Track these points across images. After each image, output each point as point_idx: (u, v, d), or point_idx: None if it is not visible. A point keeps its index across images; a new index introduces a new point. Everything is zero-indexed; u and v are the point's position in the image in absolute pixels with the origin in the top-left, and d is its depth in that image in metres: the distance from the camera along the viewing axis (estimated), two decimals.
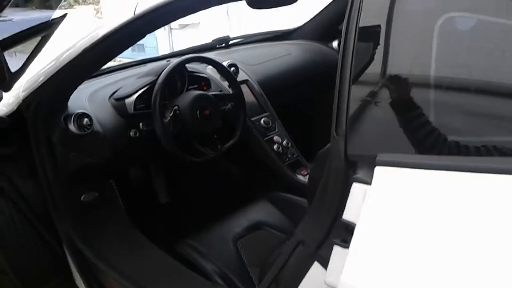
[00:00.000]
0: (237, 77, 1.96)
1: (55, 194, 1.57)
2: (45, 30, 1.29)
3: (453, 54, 0.69)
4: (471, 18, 0.68)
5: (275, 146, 1.94)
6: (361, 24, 0.76)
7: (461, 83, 0.70)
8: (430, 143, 0.69)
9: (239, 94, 1.84)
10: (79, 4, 17.33)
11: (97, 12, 8.70)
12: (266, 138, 1.95)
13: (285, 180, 1.89)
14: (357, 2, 0.76)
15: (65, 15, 1.28)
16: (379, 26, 0.76)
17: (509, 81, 0.66)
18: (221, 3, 1.18)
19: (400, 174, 0.66)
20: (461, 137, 0.67)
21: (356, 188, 0.70)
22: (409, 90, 0.72)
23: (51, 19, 1.26)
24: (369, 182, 0.68)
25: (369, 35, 0.76)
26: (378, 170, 0.68)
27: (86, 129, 1.52)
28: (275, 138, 1.97)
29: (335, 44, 2.29)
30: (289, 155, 1.96)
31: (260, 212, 1.76)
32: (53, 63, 1.40)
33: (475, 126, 0.68)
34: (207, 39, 2.34)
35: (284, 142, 1.97)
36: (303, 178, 1.88)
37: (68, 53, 1.35)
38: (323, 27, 2.32)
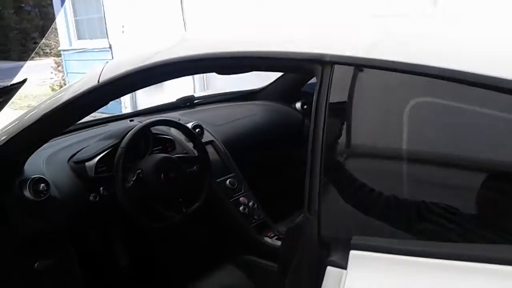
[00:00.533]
0: (202, 138, 1.94)
1: (6, 261, 1.47)
2: (3, 94, 1.25)
3: (422, 135, 0.70)
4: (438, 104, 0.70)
5: (241, 208, 1.90)
6: (330, 101, 0.76)
7: (431, 161, 0.71)
8: (405, 225, 0.68)
9: (204, 155, 1.81)
10: (39, 55, 17.21)
11: (58, 66, 8.62)
12: (231, 200, 1.91)
13: (252, 243, 1.85)
14: (326, 82, 0.76)
15: (24, 80, 1.24)
16: (349, 103, 0.76)
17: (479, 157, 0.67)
18: (191, 74, 1.18)
19: (377, 259, 0.64)
20: (435, 217, 0.67)
21: (331, 272, 0.68)
22: (382, 169, 0.72)
23: (9, 84, 1.21)
24: (344, 266, 0.66)
25: (340, 114, 0.77)
26: (354, 254, 0.66)
27: (42, 195, 1.44)
28: (241, 199, 1.93)
29: (298, 105, 2.34)
30: (255, 217, 1.92)
31: (226, 277, 1.70)
32: (16, 123, 1.35)
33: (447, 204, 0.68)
34: (171, 97, 2.33)
35: (250, 204, 1.94)
36: (270, 240, 1.84)
37: (29, 115, 1.31)
38: (287, 89, 2.37)
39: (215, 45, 0.99)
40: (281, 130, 2.24)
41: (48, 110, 1.25)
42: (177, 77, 1.21)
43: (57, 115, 1.26)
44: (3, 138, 1.34)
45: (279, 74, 2.36)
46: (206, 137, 2.00)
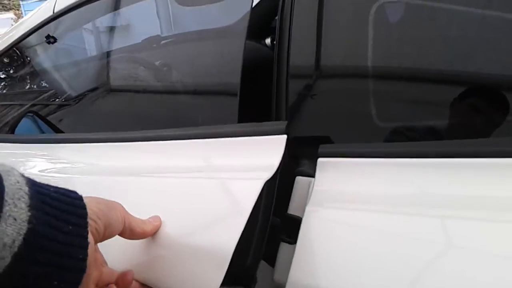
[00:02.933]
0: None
1: None
2: None
3: (387, 43, 0.69)
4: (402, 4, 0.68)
5: None
6: (294, 18, 0.75)
7: (395, 71, 0.70)
8: (370, 131, 0.69)
9: None
10: None
11: (19, 18, 8.21)
12: None
13: None
14: None
15: None
16: (313, 18, 0.75)
17: (440, 67, 0.67)
18: None
19: (343, 164, 0.64)
20: (395, 123, 0.68)
21: (300, 182, 0.68)
22: (345, 79, 0.71)
23: None
24: (312, 175, 0.67)
25: (304, 28, 0.75)
26: (321, 162, 0.66)
27: None
28: None
29: (268, 41, 2.29)
30: None
31: None
32: None
33: (408, 112, 0.69)
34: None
35: None
36: None
37: None
38: (255, 25, 2.31)
39: None
40: (251, 66, 2.21)
41: (1, 48, 1.19)
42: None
43: (10, 55, 1.20)
44: None
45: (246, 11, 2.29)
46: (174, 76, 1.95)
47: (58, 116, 1.24)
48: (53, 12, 1.06)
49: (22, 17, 7.60)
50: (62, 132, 1.15)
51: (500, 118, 0.62)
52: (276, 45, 0.79)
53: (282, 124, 0.68)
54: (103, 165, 0.86)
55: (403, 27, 0.68)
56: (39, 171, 0.93)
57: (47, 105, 1.29)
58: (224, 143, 0.72)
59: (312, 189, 0.64)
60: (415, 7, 0.68)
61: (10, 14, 9.66)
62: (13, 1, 9.55)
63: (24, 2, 7.06)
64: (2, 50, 1.21)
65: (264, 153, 0.67)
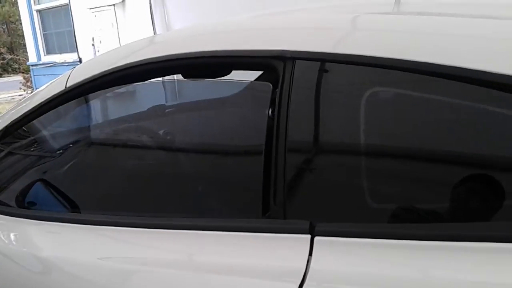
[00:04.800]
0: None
1: None
2: None
3: (379, 124, 0.74)
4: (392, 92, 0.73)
5: None
6: (292, 97, 0.79)
7: (387, 148, 0.74)
8: (369, 211, 0.71)
9: None
10: (8, 72, 16.88)
11: (27, 81, 8.47)
12: None
13: None
14: (288, 77, 0.79)
15: None
16: (311, 98, 0.80)
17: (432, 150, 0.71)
18: (159, 76, 1.19)
19: (339, 244, 0.66)
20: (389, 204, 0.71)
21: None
22: (343, 160, 0.75)
23: None
24: (310, 253, 0.68)
25: (302, 106, 0.79)
26: (318, 240, 0.68)
27: None
28: None
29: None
30: None
31: None
32: None
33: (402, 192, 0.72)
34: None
35: None
36: None
37: None
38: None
39: (180, 46, 1.00)
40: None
41: (13, 119, 1.24)
42: (145, 80, 1.21)
43: (23, 124, 1.25)
44: None
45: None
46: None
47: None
48: (65, 87, 1.13)
49: (31, 80, 7.84)
50: (71, 200, 1.17)
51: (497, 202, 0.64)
52: (275, 119, 0.82)
53: (305, 224, 0.70)
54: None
55: (392, 112, 0.73)
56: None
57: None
58: (246, 239, 0.75)
59: (309, 267, 0.66)
60: (403, 96, 0.73)
61: (19, 77, 9.97)
62: (23, 66, 9.91)
63: (33, 67, 7.32)
64: (15, 120, 1.25)
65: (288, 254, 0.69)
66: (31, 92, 8.20)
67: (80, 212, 1.14)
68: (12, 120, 1.25)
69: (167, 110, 2.35)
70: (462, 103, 0.68)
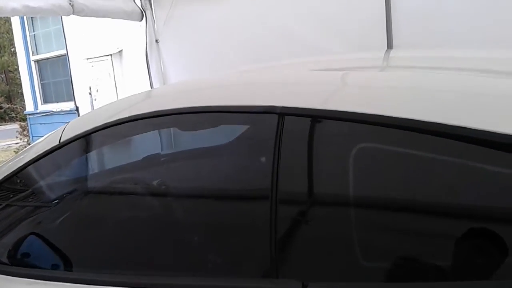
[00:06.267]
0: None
1: None
2: None
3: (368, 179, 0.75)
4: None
5: None
6: (282, 149, 0.80)
7: (376, 203, 0.75)
8: (362, 269, 0.71)
9: None
10: (5, 121, 16.99)
11: (24, 130, 8.50)
12: None
13: None
14: (279, 131, 0.81)
15: None
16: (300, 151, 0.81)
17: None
18: (154, 130, 1.20)
19: None
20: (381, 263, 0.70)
21: None
22: (332, 214, 0.75)
23: None
24: None
25: (292, 162, 0.81)
26: None
27: None
28: None
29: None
30: None
31: None
32: None
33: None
34: None
35: None
36: None
37: None
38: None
39: (171, 101, 1.03)
40: None
41: (6, 174, 1.24)
42: (139, 133, 1.23)
43: (17, 179, 1.25)
44: None
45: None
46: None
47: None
48: (59, 142, 1.14)
49: (28, 129, 7.88)
50: (64, 255, 1.15)
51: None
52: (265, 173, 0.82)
53: (297, 284, 0.70)
54: None
55: (381, 168, 0.74)
56: None
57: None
58: None
59: None
60: (392, 151, 0.75)
61: (16, 126, 10.02)
62: (20, 115, 10.00)
63: (30, 116, 7.38)
64: (9, 174, 1.26)
65: None
66: (28, 141, 8.23)
67: (73, 268, 1.12)
68: (6, 174, 1.26)
69: (161, 159, 2.36)
70: (451, 159, 0.69)
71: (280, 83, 0.94)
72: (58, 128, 1.24)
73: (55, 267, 1.13)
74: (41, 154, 1.19)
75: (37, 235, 1.20)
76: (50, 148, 1.17)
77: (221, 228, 0.92)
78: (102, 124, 1.09)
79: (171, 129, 1.20)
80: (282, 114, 0.81)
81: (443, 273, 0.66)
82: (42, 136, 1.30)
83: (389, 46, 2.46)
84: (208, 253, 0.92)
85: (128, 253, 1.09)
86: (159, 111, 1.01)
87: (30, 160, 1.21)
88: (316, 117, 0.79)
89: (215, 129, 1.10)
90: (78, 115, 6.46)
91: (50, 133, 1.29)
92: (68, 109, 6.68)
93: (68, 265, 1.13)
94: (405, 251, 0.69)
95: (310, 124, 0.80)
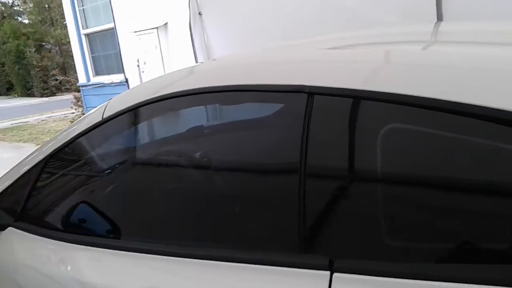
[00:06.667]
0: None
1: None
2: None
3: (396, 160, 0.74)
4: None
5: None
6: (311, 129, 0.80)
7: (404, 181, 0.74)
8: (392, 248, 0.71)
9: None
10: (61, 91, 17.76)
11: (78, 101, 8.86)
12: None
13: None
14: (308, 111, 0.81)
15: None
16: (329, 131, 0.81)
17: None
18: (192, 106, 1.23)
19: (358, 281, 0.67)
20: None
21: None
22: (359, 192, 0.75)
23: None
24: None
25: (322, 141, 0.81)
26: (336, 277, 0.68)
27: None
28: None
29: None
30: None
31: None
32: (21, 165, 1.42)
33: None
34: None
35: None
36: None
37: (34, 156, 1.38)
38: None
39: (215, 79, 1.04)
40: None
41: (58, 146, 1.32)
42: (178, 110, 1.26)
43: (62, 155, 1.33)
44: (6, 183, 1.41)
45: None
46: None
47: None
48: (102, 118, 1.19)
49: (81, 100, 8.21)
50: (112, 221, 1.21)
51: None
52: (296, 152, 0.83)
53: (325, 260, 0.71)
54: None
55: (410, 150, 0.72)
56: None
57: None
58: (265, 272, 0.77)
59: None
60: (423, 133, 0.73)
61: (71, 96, 10.45)
62: (74, 86, 10.40)
63: (83, 88, 7.67)
64: (62, 145, 1.33)
65: None
66: (82, 111, 8.58)
67: (120, 236, 1.18)
68: (57, 146, 1.33)
69: (205, 131, 2.41)
70: (487, 142, 0.67)
71: (312, 61, 0.93)
72: (101, 105, 1.29)
73: (103, 234, 1.19)
74: (87, 128, 1.25)
75: (87, 203, 1.27)
76: (95, 124, 1.23)
77: (252, 202, 0.94)
78: (144, 100, 1.13)
79: (209, 105, 1.22)
80: (311, 93, 0.81)
81: (474, 254, 0.65)
82: (94, 107, 1.37)
83: (439, 18, 2.35)
84: (238, 225, 0.95)
85: (167, 224, 1.13)
86: (197, 89, 1.03)
87: (77, 134, 1.28)
88: (347, 96, 0.78)
89: (248, 107, 1.11)
90: (128, 87, 6.65)
91: (97, 108, 1.35)
92: (118, 81, 6.89)
93: (115, 233, 1.19)
94: (435, 232, 0.68)
95: (340, 103, 0.80)
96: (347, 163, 0.79)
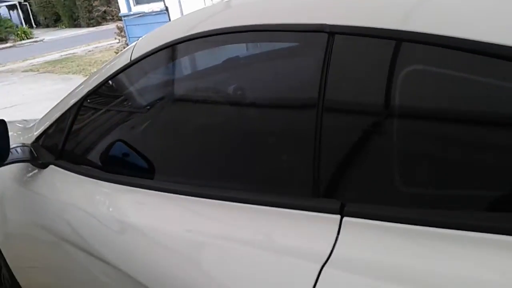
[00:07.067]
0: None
1: None
2: None
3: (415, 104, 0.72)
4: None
5: None
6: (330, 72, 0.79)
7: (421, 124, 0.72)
8: (406, 195, 0.71)
9: None
10: (106, 21, 17.87)
11: (121, 31, 8.92)
12: None
13: None
14: (328, 51, 0.79)
15: None
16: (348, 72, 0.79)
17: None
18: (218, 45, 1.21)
19: (369, 227, 0.68)
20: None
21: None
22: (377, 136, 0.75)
23: None
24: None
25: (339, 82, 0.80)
26: (346, 220, 0.70)
27: None
28: None
29: None
30: None
31: None
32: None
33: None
34: None
35: None
36: None
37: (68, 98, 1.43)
38: None
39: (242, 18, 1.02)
40: None
41: (93, 86, 1.36)
42: (203, 50, 1.25)
43: (93, 98, 1.37)
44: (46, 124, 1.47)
45: None
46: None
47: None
48: (130, 60, 1.21)
49: (124, 30, 8.26)
50: (145, 157, 1.26)
51: None
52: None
53: (336, 203, 0.72)
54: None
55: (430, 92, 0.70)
56: None
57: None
58: (275, 214, 0.79)
59: (335, 249, 0.69)
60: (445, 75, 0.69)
61: (113, 26, 10.53)
62: (115, 15, 10.41)
63: (125, 18, 7.68)
64: (99, 84, 1.37)
65: (315, 233, 0.73)
66: (125, 41, 8.67)
67: (154, 176, 1.22)
68: (93, 86, 1.37)
69: (241, 62, 2.38)
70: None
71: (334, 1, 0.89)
72: (129, 46, 1.30)
73: (138, 174, 1.22)
74: (114, 72, 1.28)
75: (124, 142, 1.32)
76: (122, 67, 1.25)
77: (266, 143, 0.95)
78: (172, 40, 1.13)
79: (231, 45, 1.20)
80: (332, 32, 0.79)
81: (488, 203, 0.64)
82: (138, 37, 1.37)
83: None
84: (251, 166, 0.97)
85: (201, 161, 1.15)
86: (216, 30, 1.02)
87: (108, 76, 1.31)
88: (367, 36, 0.75)
89: (270, 47, 1.08)
90: (168, 15, 6.60)
91: (126, 48, 1.37)
92: (158, 9, 6.85)
93: (150, 172, 1.23)
94: (448, 179, 0.67)
95: (361, 43, 0.77)
96: (365, 107, 0.77)
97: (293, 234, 0.76)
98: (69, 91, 1.56)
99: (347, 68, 0.80)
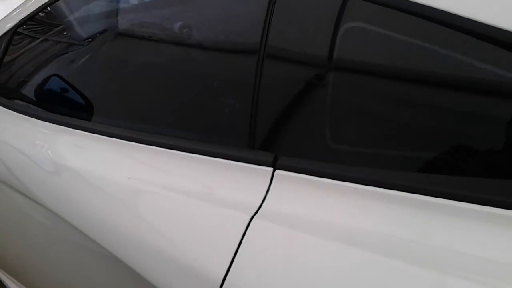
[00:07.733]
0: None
1: None
2: None
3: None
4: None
5: None
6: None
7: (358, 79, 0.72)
8: (342, 152, 0.71)
9: None
10: None
11: None
12: None
13: None
14: None
15: None
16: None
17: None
18: None
19: (300, 181, 0.69)
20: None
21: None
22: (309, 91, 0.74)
23: None
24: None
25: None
26: (278, 173, 0.71)
27: None
28: None
29: None
30: None
31: None
32: None
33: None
34: None
35: None
36: None
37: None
38: None
39: None
40: None
41: (20, 19, 1.25)
42: None
43: (31, 24, 1.26)
44: None
45: None
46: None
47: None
48: None
49: None
50: (84, 96, 1.19)
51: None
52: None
53: (270, 156, 0.72)
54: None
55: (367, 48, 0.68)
56: None
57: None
58: (209, 163, 0.79)
59: (264, 200, 0.69)
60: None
61: None
62: None
63: None
64: (37, 9, 1.26)
65: (248, 186, 0.73)
66: None
67: (91, 117, 1.15)
68: (28, 13, 1.26)
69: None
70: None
71: None
72: None
73: (76, 114, 1.15)
74: None
75: (59, 76, 1.23)
76: None
77: (208, 90, 0.92)
78: None
79: None
80: None
81: (418, 164, 0.65)
82: None
83: None
84: (193, 112, 0.94)
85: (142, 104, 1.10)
86: None
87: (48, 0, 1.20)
88: None
89: None
90: None
91: None
92: None
93: (89, 113, 1.16)
94: (379, 138, 0.68)
95: None
96: (305, 59, 0.75)
97: (228, 185, 0.76)
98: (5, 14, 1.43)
99: (291, 17, 0.77)
